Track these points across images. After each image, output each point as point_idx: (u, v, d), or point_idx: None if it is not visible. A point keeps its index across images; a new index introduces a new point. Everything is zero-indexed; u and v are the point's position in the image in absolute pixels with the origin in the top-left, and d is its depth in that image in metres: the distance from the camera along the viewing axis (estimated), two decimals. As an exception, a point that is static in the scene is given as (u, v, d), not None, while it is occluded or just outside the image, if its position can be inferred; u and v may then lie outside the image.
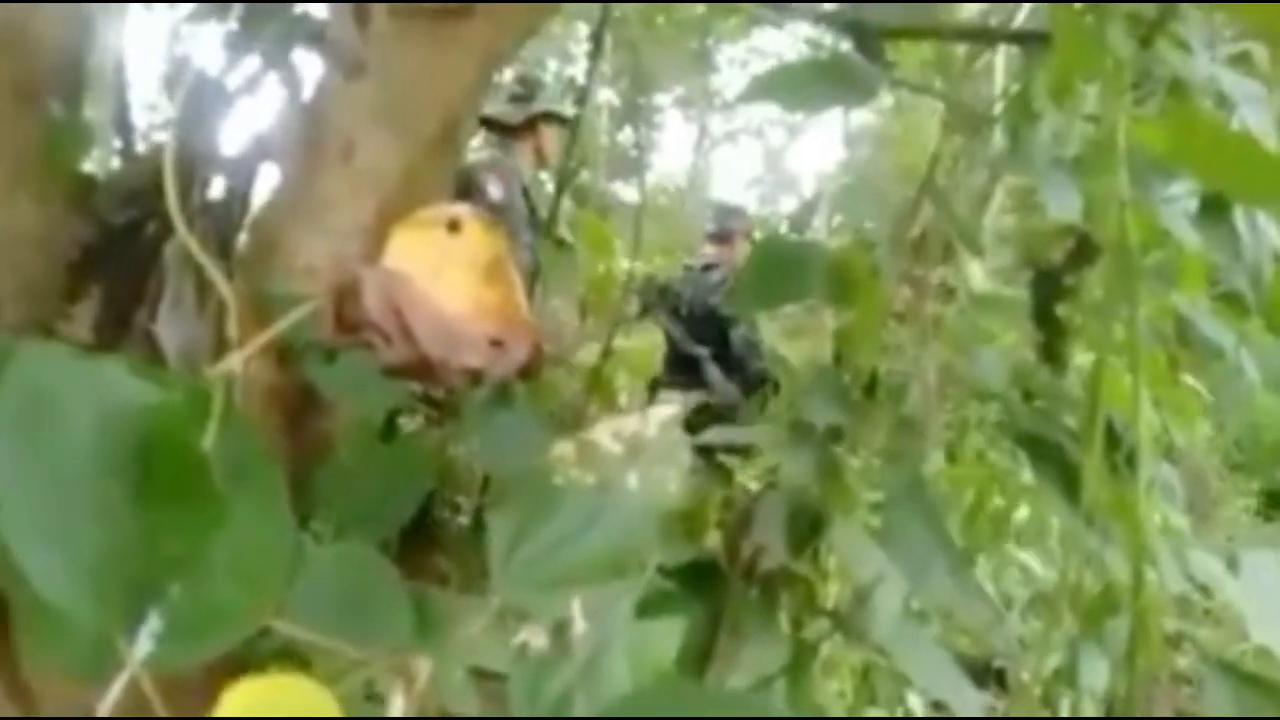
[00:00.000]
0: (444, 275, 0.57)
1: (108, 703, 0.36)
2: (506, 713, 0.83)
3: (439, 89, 1.04)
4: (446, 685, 0.84)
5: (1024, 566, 2.02)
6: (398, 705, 0.52)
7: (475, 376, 0.56)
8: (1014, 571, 1.98)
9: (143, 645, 0.37)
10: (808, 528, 1.08)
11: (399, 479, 1.04)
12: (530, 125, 3.12)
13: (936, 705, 2.12)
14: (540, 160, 3.17)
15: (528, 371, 0.59)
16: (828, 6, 1.20)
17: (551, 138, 3.15)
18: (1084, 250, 0.89)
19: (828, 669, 1.45)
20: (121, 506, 0.37)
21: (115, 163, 1.22)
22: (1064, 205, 0.98)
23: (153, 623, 0.37)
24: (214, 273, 0.55)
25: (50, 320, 0.99)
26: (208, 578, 0.38)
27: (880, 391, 1.08)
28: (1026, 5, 1.39)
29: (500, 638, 0.78)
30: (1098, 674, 1.19)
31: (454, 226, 0.58)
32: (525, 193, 3.02)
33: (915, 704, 1.98)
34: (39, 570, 0.35)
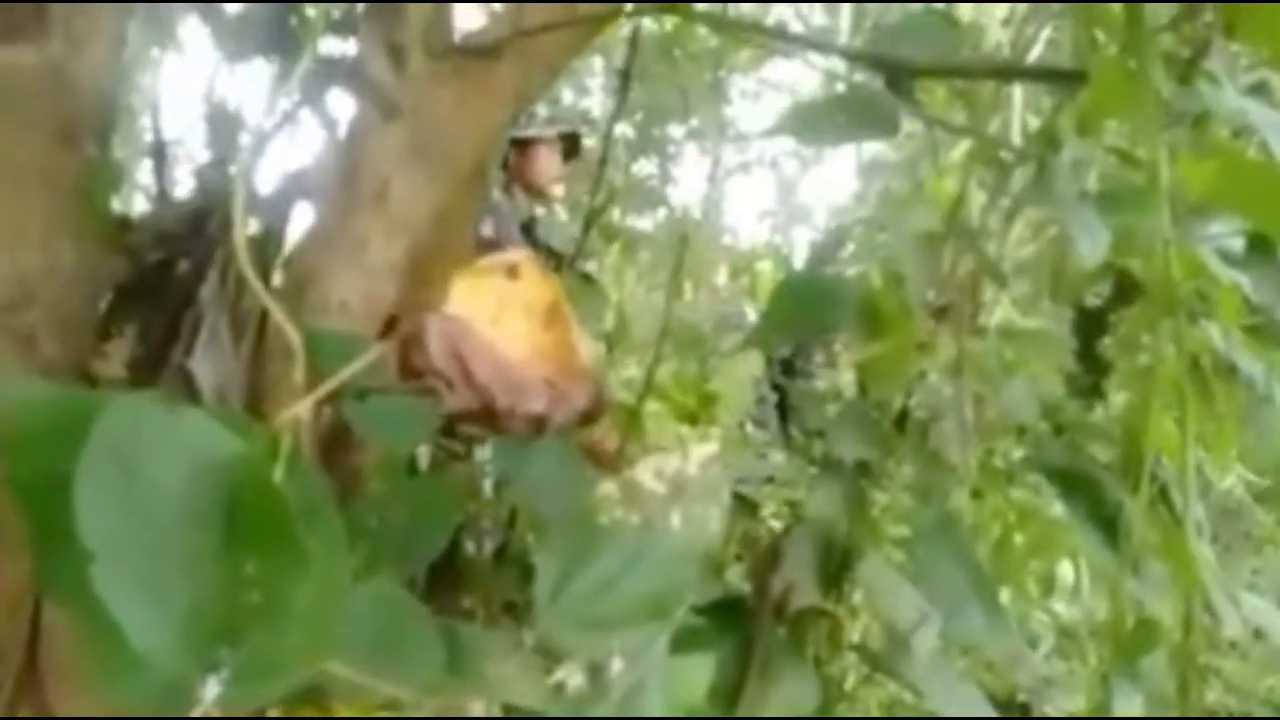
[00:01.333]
0: (503, 321, 0.58)
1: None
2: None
3: (471, 129, 1.05)
4: (478, 724, 0.83)
5: (1047, 605, 1.99)
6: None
7: (539, 423, 0.57)
8: (1038, 609, 1.96)
9: (213, 687, 0.37)
10: (836, 564, 1.07)
11: (428, 514, 1.04)
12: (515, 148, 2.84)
13: (962, 742, 2.09)
14: (529, 187, 2.90)
15: (588, 418, 0.59)
16: (856, 43, 1.21)
17: (543, 162, 2.88)
18: (1125, 288, 0.89)
19: (852, 706, 1.44)
20: (209, 556, 0.37)
21: (148, 203, 1.23)
22: (1091, 241, 0.98)
23: (226, 666, 0.37)
24: (279, 315, 0.56)
25: (86, 357, 1.00)
26: (282, 623, 0.38)
27: (909, 425, 1.08)
28: (1044, 38, 1.41)
29: (533, 675, 0.78)
30: (1131, 710, 1.18)
31: (513, 272, 0.59)
32: (527, 228, 2.81)
33: (941, 741, 1.95)
34: (132, 621, 0.35)
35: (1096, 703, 1.57)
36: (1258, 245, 0.79)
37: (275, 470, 0.39)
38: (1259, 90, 1.12)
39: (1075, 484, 1.06)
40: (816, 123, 1.20)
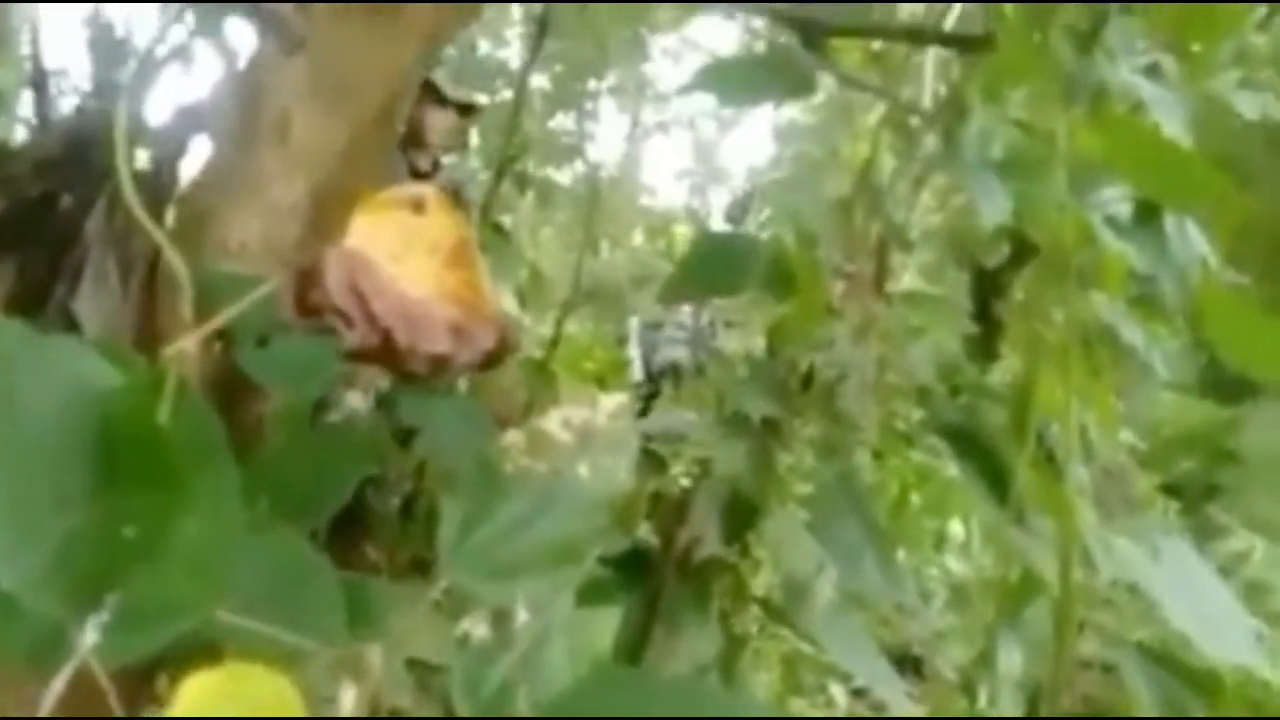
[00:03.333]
0: (407, 258, 0.56)
1: (52, 693, 0.34)
2: (444, 704, 0.82)
3: (379, 67, 1.01)
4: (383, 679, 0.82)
5: (940, 561, 2.08)
6: (349, 702, 0.51)
7: (440, 364, 0.55)
8: (931, 565, 2.04)
9: (91, 634, 0.35)
10: (742, 518, 1.09)
11: (331, 466, 1.02)
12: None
13: (856, 694, 2.18)
14: (413, 140, 2.74)
15: (492, 360, 0.58)
16: (779, 5, 1.21)
17: (432, 117, 2.71)
18: (1021, 252, 0.92)
19: (754, 659, 1.48)
20: (84, 492, 0.35)
21: (26, 131, 1.16)
22: (992, 206, 1.01)
23: (104, 611, 0.35)
24: (167, 248, 0.53)
25: (-43, 296, 0.93)
26: (164, 566, 0.36)
27: (815, 385, 1.10)
28: (958, 6, 1.43)
29: (438, 628, 0.78)
30: (1014, 661, 1.24)
31: (418, 208, 0.57)
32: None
33: (838, 693, 2.03)
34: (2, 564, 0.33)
35: (981, 652, 1.65)
36: (1145, 214, 0.83)
37: (159, 407, 0.37)
38: (1152, 72, 1.17)
39: (969, 444, 1.10)
40: (733, 81, 1.20)
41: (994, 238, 0.97)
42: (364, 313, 0.52)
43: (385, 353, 0.53)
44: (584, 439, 0.58)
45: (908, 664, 2.25)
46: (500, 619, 0.75)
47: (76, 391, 0.35)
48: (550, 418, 0.58)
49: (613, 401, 0.62)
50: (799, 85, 1.19)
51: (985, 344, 0.99)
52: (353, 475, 1.03)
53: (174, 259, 0.51)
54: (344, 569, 0.92)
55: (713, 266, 1.03)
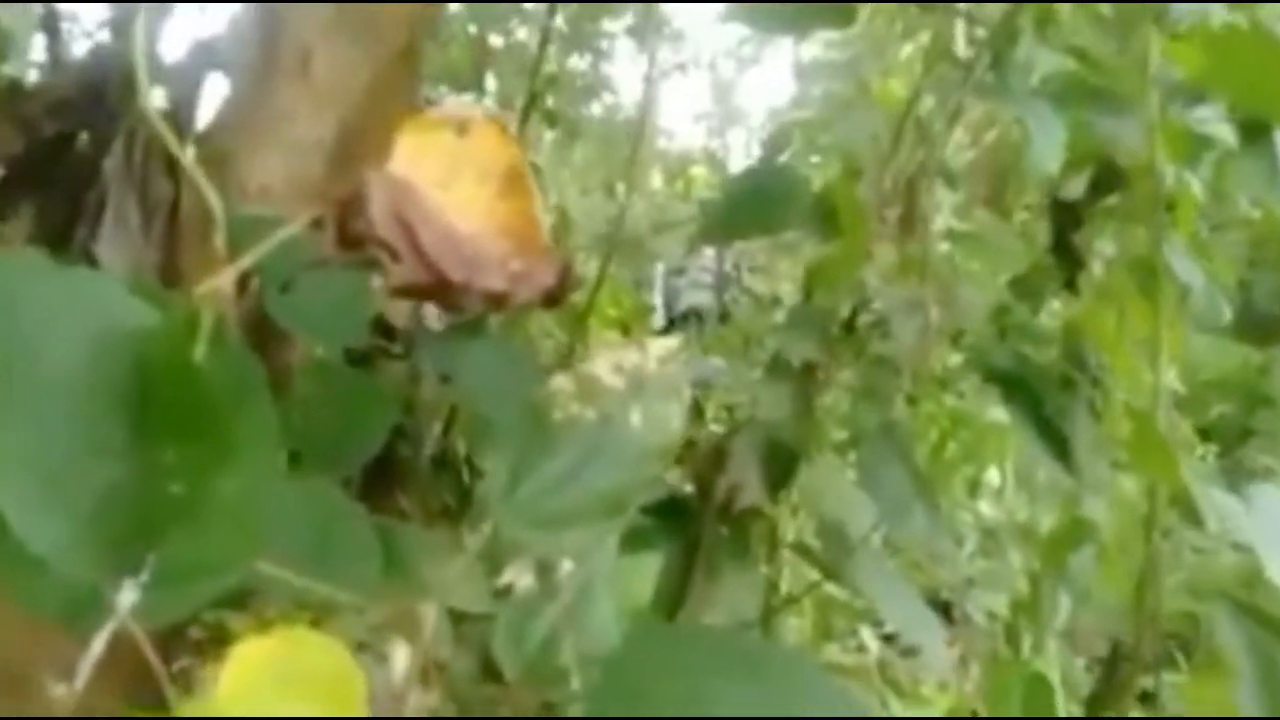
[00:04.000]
0: (455, 185, 0.52)
1: (91, 656, 0.32)
2: (482, 655, 0.80)
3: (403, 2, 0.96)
4: (419, 628, 0.81)
5: (973, 506, 2.06)
6: (401, 660, 0.49)
7: (498, 301, 0.52)
8: (964, 510, 2.02)
9: (130, 594, 0.32)
10: (783, 466, 1.06)
11: (362, 414, 0.99)
12: None
13: (886, 639, 2.17)
14: None
15: (554, 298, 0.54)
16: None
17: None
18: (1107, 178, 0.87)
19: (786, 605, 1.47)
20: (119, 443, 0.32)
21: (39, 69, 1.12)
22: (1049, 138, 0.96)
23: (144, 569, 0.32)
24: (207, 190, 0.49)
25: (-25, 240, 0.91)
26: (206, 522, 0.33)
27: (858, 329, 1.06)
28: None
29: (475, 577, 0.75)
30: (1059, 608, 1.22)
31: (465, 130, 0.53)
32: None
33: (868, 637, 2.03)
34: (23, 520, 0.30)
35: (1019, 598, 1.63)
36: (1251, 133, 0.77)
37: (198, 349, 0.34)
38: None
39: (1018, 388, 1.06)
40: (770, 12, 1.14)
41: (1071, 168, 0.91)
42: (411, 245, 0.49)
43: (436, 289, 0.49)
44: (635, 385, 0.55)
45: (938, 609, 2.24)
46: (544, 569, 0.73)
47: (107, 331, 0.32)
48: (599, 362, 0.55)
49: (663, 345, 0.58)
50: (839, 15, 1.13)
51: (1064, 280, 0.94)
52: (384, 423, 1.01)
53: (209, 195, 0.48)
54: (377, 516, 0.90)
55: (753, 204, 0.98)
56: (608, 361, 0.55)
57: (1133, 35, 0.72)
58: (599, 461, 0.54)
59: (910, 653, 2.22)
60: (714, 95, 6.30)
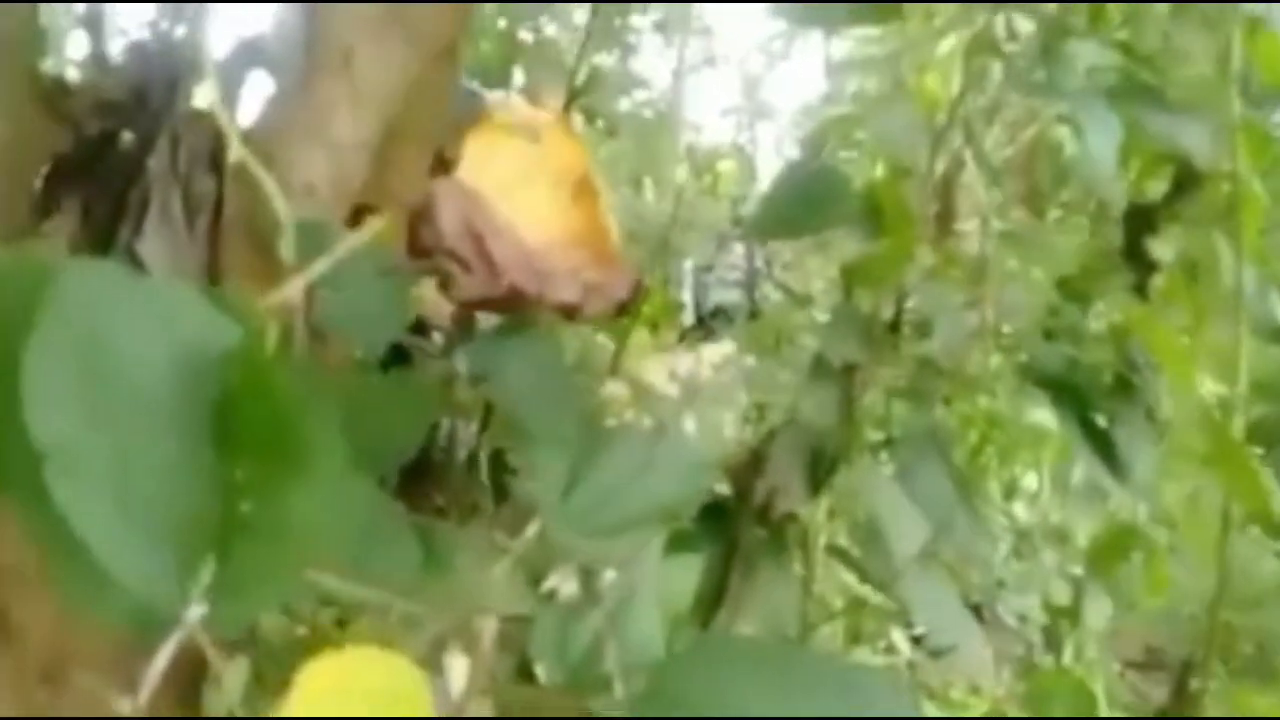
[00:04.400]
0: (525, 192, 0.51)
1: (156, 669, 0.31)
2: (523, 659, 0.80)
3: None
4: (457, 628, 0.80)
5: (1007, 509, 2.03)
6: (458, 674, 0.48)
7: (569, 313, 0.51)
8: (998, 513, 1.99)
9: (198, 606, 0.32)
10: (824, 469, 1.05)
11: (402, 413, 0.99)
12: None
13: (915, 640, 2.15)
14: None
15: (624, 310, 0.53)
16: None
17: None
18: (1186, 182, 0.85)
19: (818, 607, 1.45)
20: (195, 461, 0.31)
21: (84, 67, 1.12)
22: (1105, 138, 0.94)
23: (209, 579, 0.32)
24: (266, 182, 0.49)
25: (22, 239, 0.91)
26: (279, 540, 0.33)
27: (903, 329, 1.05)
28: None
29: (515, 579, 0.75)
30: (1101, 614, 1.20)
31: (535, 134, 0.52)
32: None
33: (899, 639, 2.00)
34: (98, 537, 0.30)
35: (1057, 602, 1.61)
36: None
37: (279, 367, 0.33)
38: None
39: (1066, 391, 1.04)
40: (812, 8, 1.12)
41: (1149, 167, 0.89)
42: (481, 255, 0.48)
43: (508, 301, 0.49)
44: (689, 391, 0.54)
45: (968, 611, 2.21)
46: (588, 575, 0.72)
47: (186, 346, 0.31)
48: (652, 368, 0.54)
49: (716, 350, 0.57)
50: (885, 10, 1.11)
51: (1138, 285, 0.92)
52: (425, 422, 1.01)
53: (277, 199, 0.47)
54: (415, 515, 0.90)
55: (797, 204, 0.97)
56: (661, 367, 0.54)
57: (1217, 33, 0.70)
58: (654, 473, 0.53)
59: (938, 654, 2.20)
60: (743, 90, 6.27)
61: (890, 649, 2.07)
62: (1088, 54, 0.95)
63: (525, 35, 3.55)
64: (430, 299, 1.01)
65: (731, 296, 3.90)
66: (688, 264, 3.87)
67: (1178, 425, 0.87)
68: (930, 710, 2.07)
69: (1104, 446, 1.00)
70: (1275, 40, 0.68)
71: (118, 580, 0.30)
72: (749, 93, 6.07)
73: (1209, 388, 1.24)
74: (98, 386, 0.30)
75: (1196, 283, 0.90)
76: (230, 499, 0.32)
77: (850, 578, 1.45)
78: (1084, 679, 1.17)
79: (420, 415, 0.99)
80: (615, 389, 0.53)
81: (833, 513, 1.27)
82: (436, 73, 1.00)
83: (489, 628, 0.53)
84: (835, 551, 1.25)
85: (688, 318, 3.85)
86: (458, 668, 0.51)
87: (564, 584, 0.70)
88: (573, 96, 1.72)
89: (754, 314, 3.33)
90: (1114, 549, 1.07)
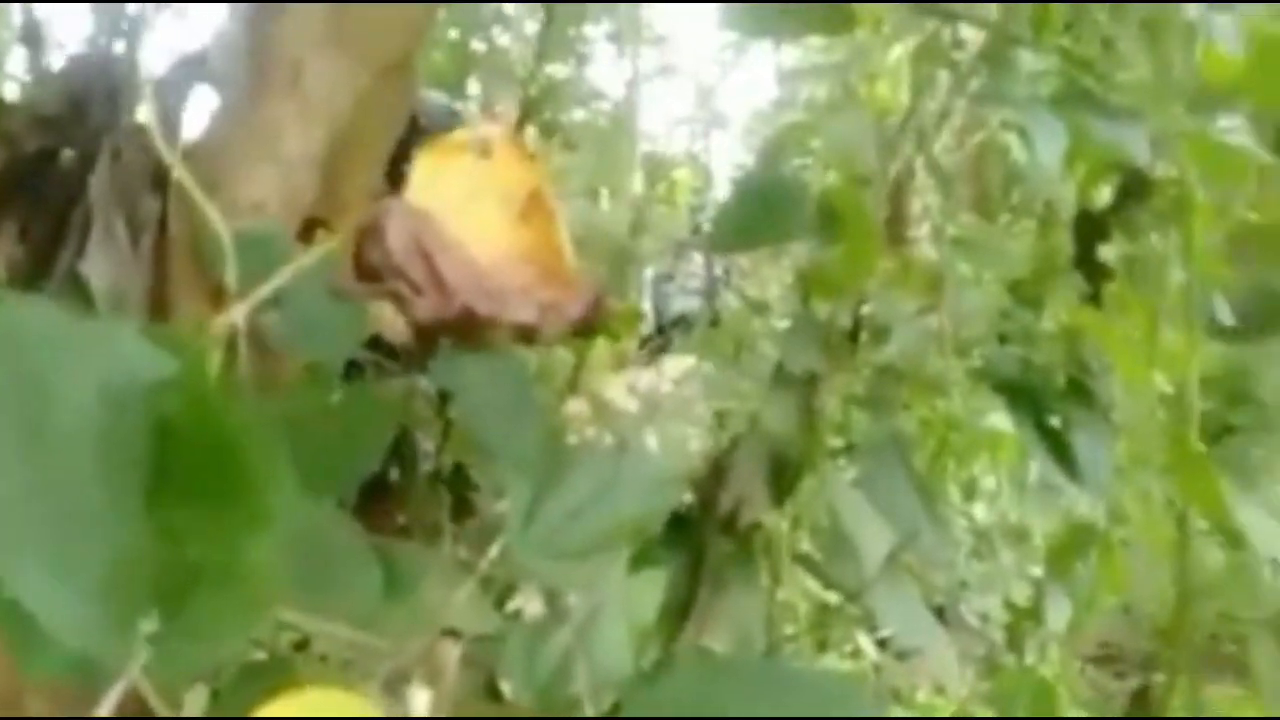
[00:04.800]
0: (472, 211, 0.50)
1: (104, 711, 0.29)
2: (489, 678, 0.78)
3: (397, 11, 0.94)
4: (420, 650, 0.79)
5: (967, 510, 2.05)
6: (421, 705, 0.47)
7: (526, 336, 0.50)
8: (958, 515, 2.01)
9: (141, 654, 0.30)
10: (787, 478, 1.05)
11: (357, 433, 0.97)
12: None
13: (881, 644, 2.16)
14: None
15: (585, 328, 0.52)
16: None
17: None
18: (1134, 188, 0.86)
19: (783, 614, 1.45)
20: (133, 504, 0.29)
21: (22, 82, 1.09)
22: (1050, 144, 0.95)
23: (164, 627, 0.30)
24: (205, 205, 0.47)
25: (-44, 261, 0.88)
26: (229, 586, 0.31)
27: (863, 337, 1.05)
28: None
29: (479, 598, 0.74)
30: (1062, 613, 1.22)
31: (485, 151, 0.51)
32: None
33: (865, 643, 2.02)
34: (33, 592, 0.28)
35: (1018, 603, 1.63)
36: None
37: (220, 402, 0.31)
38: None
39: (1021, 394, 1.06)
40: (763, 16, 1.13)
41: (1098, 174, 0.91)
42: (431, 276, 0.47)
43: (461, 325, 0.47)
44: (650, 407, 0.53)
45: (932, 613, 2.23)
46: (553, 593, 0.71)
47: (121, 383, 0.29)
48: (613, 384, 0.53)
49: (678, 365, 0.56)
50: (838, 19, 1.12)
51: (1091, 290, 0.93)
52: (380, 442, 0.99)
53: (215, 220, 0.46)
54: (374, 535, 0.88)
55: (757, 214, 0.97)
56: (621, 383, 0.54)
57: (1157, 40, 0.71)
58: (618, 492, 0.52)
59: (904, 657, 2.22)
60: (697, 99, 6.30)
61: (856, 653, 2.08)
62: (1031, 61, 0.96)
63: (478, 45, 3.53)
64: (388, 316, 0.99)
65: (692, 304, 3.90)
66: (648, 273, 3.87)
67: (1132, 425, 0.89)
68: (897, 712, 2.08)
69: (1058, 446, 1.02)
70: (1216, 46, 0.70)
71: (54, 636, 0.29)
72: (703, 101, 6.10)
73: (1161, 387, 1.26)
74: (30, 431, 0.29)
75: (1147, 285, 0.91)
76: (174, 545, 0.30)
77: (816, 584, 1.46)
78: (1046, 678, 1.18)
79: (378, 433, 0.97)
80: (576, 406, 0.53)
81: (798, 521, 1.27)
82: (388, 86, 0.99)
83: (452, 655, 0.52)
84: (802, 560, 1.25)
85: (648, 326, 3.85)
86: (420, 699, 0.49)
87: (529, 603, 0.69)
88: (528, 109, 1.71)
89: (715, 322, 3.34)
90: (1071, 548, 1.08)
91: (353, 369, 1.12)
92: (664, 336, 3.69)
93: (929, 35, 1.25)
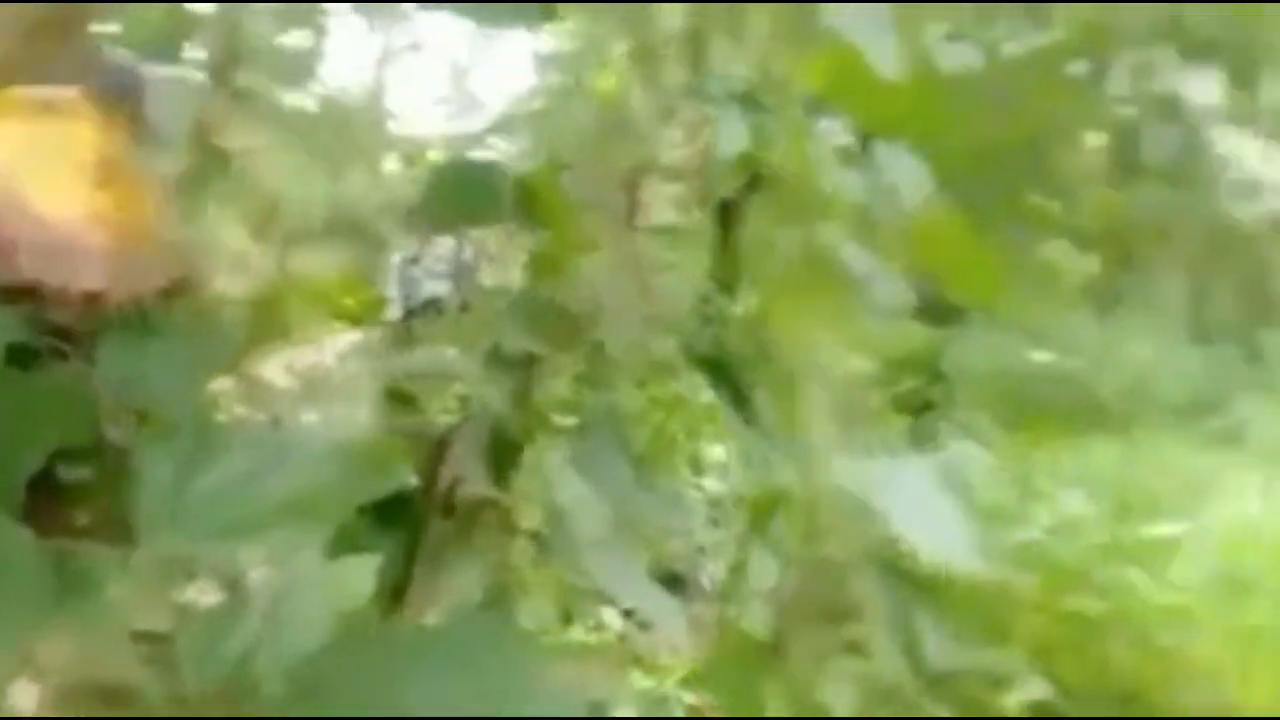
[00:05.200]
0: (40, 173, 0.46)
1: None
2: (175, 675, 0.75)
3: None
4: (102, 654, 0.74)
5: (698, 482, 2.19)
6: (27, 703, 0.44)
7: (93, 302, 0.47)
8: (690, 486, 2.14)
9: None
10: (505, 455, 1.07)
11: (23, 424, 0.88)
12: None
13: (626, 614, 2.26)
14: None
15: (172, 293, 0.50)
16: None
17: None
18: (756, 182, 0.95)
19: (524, 591, 1.48)
20: None
21: None
22: (731, 137, 1.04)
23: None
24: None
25: None
26: None
27: (574, 318, 1.09)
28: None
29: (154, 594, 0.70)
30: (767, 572, 1.33)
31: (52, 110, 0.47)
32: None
33: (610, 616, 2.10)
34: None
35: (735, 563, 1.76)
36: (864, 144, 0.87)
37: None
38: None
39: (720, 372, 1.14)
40: (481, 5, 1.14)
41: (735, 169, 0.99)
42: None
43: (25, 292, 0.44)
44: (310, 385, 0.53)
45: (672, 579, 2.36)
46: (232, 580, 0.69)
47: None
48: (270, 363, 0.52)
49: (344, 341, 0.57)
50: (540, 12, 1.15)
51: (726, 274, 1.02)
52: (50, 434, 0.90)
53: None
54: (48, 538, 0.81)
55: (460, 195, 0.98)
56: (280, 362, 0.53)
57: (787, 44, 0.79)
58: (280, 466, 0.51)
59: (646, 626, 2.33)
60: (451, 80, 6.20)
61: (599, 625, 2.16)
62: (722, 59, 1.04)
63: (202, 7, 3.27)
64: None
65: (443, 289, 3.83)
66: (395, 256, 3.75)
67: (804, 398, 0.99)
68: (638, 677, 2.18)
69: (754, 417, 1.11)
70: (830, 51, 0.80)
71: None
72: (457, 83, 6.01)
73: (854, 364, 1.41)
74: None
75: (822, 271, 1.02)
76: None
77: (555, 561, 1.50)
78: (750, 634, 1.28)
79: (43, 426, 0.89)
80: (225, 384, 0.51)
81: (525, 499, 1.30)
82: (37, 49, 0.90)
83: (56, 653, 0.49)
84: (529, 535, 1.28)
85: (395, 310, 3.73)
86: (25, 697, 0.46)
87: (204, 594, 0.67)
88: (218, 72, 1.60)
89: (465, 306, 3.30)
90: (767, 509, 1.19)
91: (26, 354, 1.01)
92: (413, 320, 3.60)
93: (641, 30, 1.31)
